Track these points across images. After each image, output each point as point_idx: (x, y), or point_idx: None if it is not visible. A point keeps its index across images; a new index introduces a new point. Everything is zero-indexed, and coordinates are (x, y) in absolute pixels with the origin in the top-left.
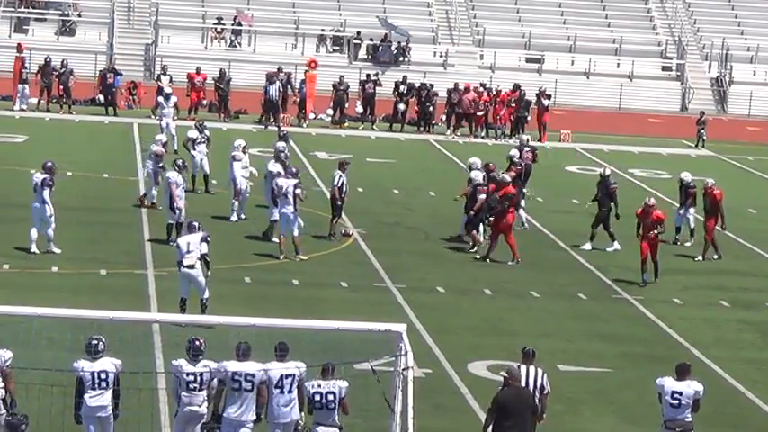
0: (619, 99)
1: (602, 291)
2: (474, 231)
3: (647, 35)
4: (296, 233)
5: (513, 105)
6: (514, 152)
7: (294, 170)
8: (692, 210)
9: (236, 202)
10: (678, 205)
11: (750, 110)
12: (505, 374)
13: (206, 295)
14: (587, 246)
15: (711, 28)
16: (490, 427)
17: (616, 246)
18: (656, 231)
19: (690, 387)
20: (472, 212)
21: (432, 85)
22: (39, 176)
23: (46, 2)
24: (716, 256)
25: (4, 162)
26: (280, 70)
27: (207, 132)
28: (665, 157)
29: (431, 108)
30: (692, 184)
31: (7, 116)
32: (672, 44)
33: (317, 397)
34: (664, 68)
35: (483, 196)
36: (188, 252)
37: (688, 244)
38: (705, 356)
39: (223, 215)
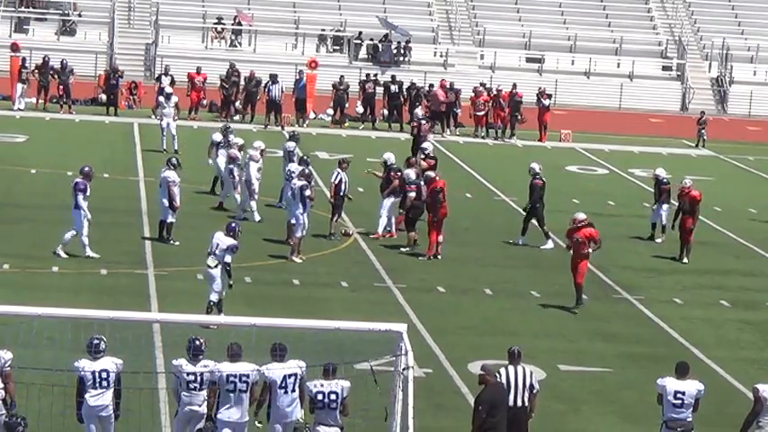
0: (619, 99)
1: (603, 291)
2: (413, 232)
3: (648, 35)
4: (298, 234)
5: (509, 106)
6: (427, 144)
7: (306, 171)
8: (665, 206)
9: (254, 203)
10: (653, 201)
11: (750, 110)
12: (483, 372)
13: (212, 297)
14: (549, 245)
15: (712, 28)
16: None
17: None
18: (590, 250)
19: (692, 386)
20: (403, 211)
21: (432, 85)
22: (76, 180)
23: (46, 2)
24: (685, 260)
25: (4, 162)
26: (231, 66)
27: (232, 137)
28: (666, 157)
29: (418, 107)
30: (665, 181)
31: (7, 116)
32: (672, 44)
33: (320, 396)
34: (664, 68)
35: (413, 194)
36: (212, 253)
37: (659, 240)
38: (706, 356)
39: (244, 217)
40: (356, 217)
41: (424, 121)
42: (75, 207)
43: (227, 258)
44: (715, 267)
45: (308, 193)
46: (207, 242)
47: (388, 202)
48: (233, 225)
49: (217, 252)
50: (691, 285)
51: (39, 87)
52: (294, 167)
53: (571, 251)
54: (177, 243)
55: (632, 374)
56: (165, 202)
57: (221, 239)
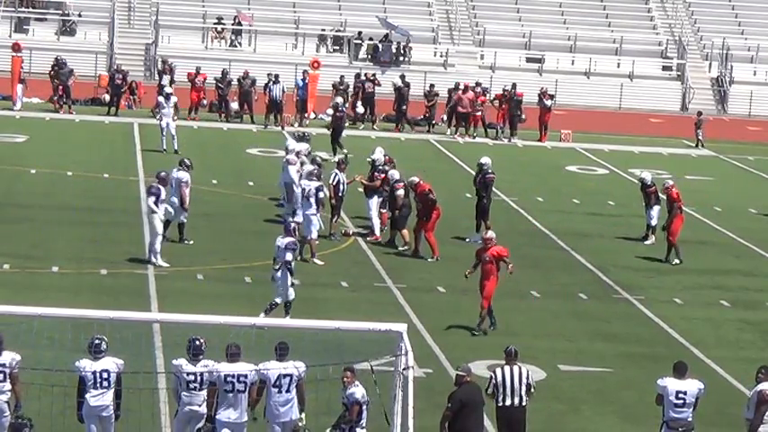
0: (619, 99)
1: (603, 291)
2: (405, 231)
3: (648, 35)
4: (314, 236)
5: (504, 106)
6: (377, 154)
7: (318, 171)
8: (656, 207)
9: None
10: (644, 205)
11: (750, 110)
12: (462, 372)
13: (288, 298)
14: (478, 237)
15: (712, 28)
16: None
17: (477, 237)
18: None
19: (693, 386)
20: (396, 211)
21: (432, 86)
22: (150, 185)
23: (46, 2)
24: (676, 261)
25: (4, 162)
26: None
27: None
28: (666, 157)
29: (404, 107)
30: (649, 184)
31: (7, 116)
32: (672, 44)
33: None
34: (664, 68)
35: (401, 192)
36: (277, 255)
37: (648, 242)
38: (706, 356)
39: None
40: (356, 218)
41: (341, 111)
42: (152, 212)
43: (288, 257)
44: (715, 267)
45: (321, 195)
46: (208, 242)
47: (374, 202)
48: (290, 226)
49: (278, 254)
50: (691, 285)
51: (61, 89)
52: (309, 168)
53: (477, 269)
54: (191, 242)
55: (632, 374)
56: (176, 201)
57: (281, 241)
